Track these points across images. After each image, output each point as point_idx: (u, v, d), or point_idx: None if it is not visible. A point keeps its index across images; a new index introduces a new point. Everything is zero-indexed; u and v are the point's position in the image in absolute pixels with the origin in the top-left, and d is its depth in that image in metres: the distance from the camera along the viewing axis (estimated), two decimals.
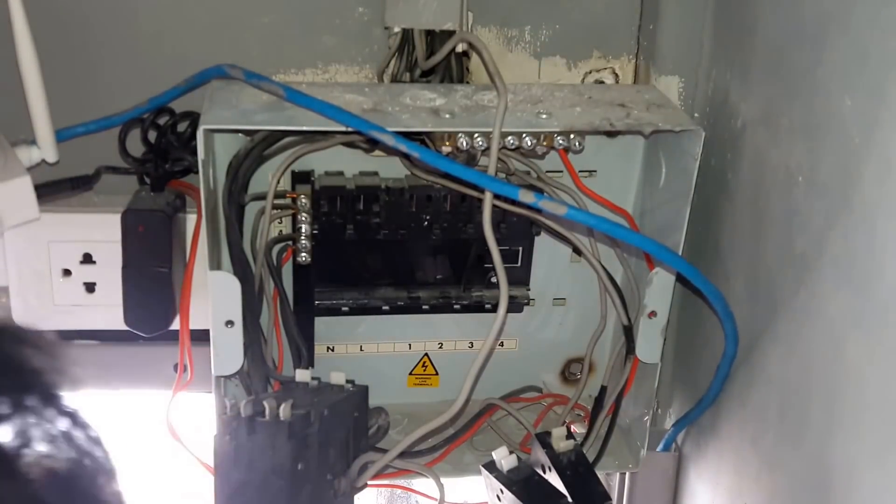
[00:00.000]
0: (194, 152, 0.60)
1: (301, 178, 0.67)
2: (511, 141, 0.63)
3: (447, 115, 0.61)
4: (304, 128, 0.59)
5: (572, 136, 0.64)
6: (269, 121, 0.59)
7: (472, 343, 0.77)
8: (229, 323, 0.63)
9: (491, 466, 0.63)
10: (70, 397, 0.31)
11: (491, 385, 0.75)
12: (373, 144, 0.65)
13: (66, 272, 0.71)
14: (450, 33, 0.66)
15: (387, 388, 0.74)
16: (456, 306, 0.73)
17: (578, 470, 0.62)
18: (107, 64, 0.69)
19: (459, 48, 0.66)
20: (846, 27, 0.51)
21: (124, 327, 0.68)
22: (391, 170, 0.68)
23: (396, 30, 0.68)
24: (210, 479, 0.59)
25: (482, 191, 0.59)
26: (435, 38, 0.67)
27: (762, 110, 0.61)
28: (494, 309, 0.71)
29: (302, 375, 0.66)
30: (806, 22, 0.55)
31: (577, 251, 0.72)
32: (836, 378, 0.53)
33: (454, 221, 0.69)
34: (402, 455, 0.63)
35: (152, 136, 0.69)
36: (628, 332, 0.69)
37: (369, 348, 0.76)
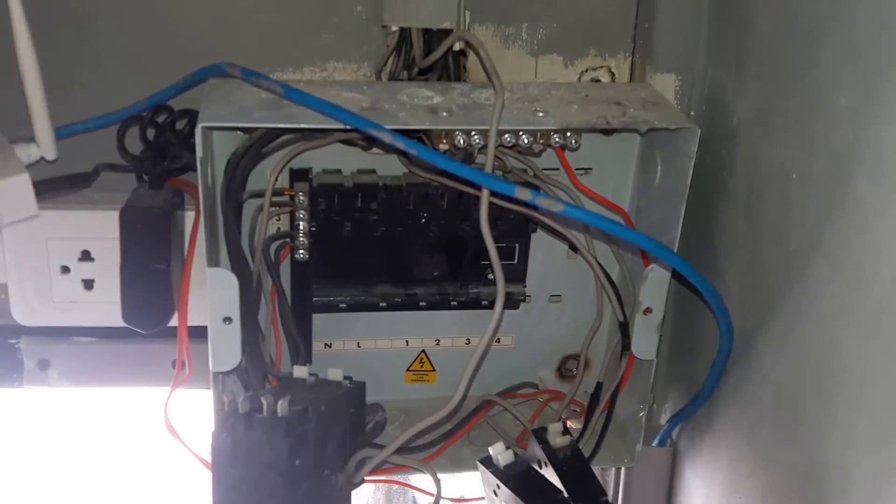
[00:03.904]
0: (192, 150, 0.61)
1: (299, 175, 0.67)
2: (508, 138, 0.63)
3: (444, 113, 0.62)
4: (303, 125, 0.60)
5: (569, 133, 0.64)
6: (268, 118, 0.60)
7: (468, 339, 0.77)
8: (227, 319, 0.63)
9: (488, 462, 0.64)
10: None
11: (488, 381, 0.76)
12: (370, 142, 0.65)
13: (65, 269, 0.72)
14: (447, 32, 0.67)
15: (384, 385, 0.75)
16: (453, 303, 0.73)
17: (574, 465, 0.62)
18: (105, 62, 0.69)
19: (457, 46, 0.66)
20: (841, 26, 0.51)
21: (122, 324, 0.68)
22: (389, 167, 0.69)
23: (394, 28, 0.68)
24: (207, 475, 0.59)
25: (479, 188, 0.59)
26: (432, 37, 0.68)
27: (757, 108, 0.62)
28: (491, 306, 0.72)
29: (299, 372, 0.66)
30: (801, 20, 0.56)
31: (573, 248, 0.73)
32: (830, 373, 0.53)
33: (451, 219, 0.69)
34: (400, 451, 0.64)
35: (151, 133, 0.69)
36: (624, 329, 0.70)
37: (367, 345, 0.76)
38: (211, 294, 0.62)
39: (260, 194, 0.66)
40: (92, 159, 0.69)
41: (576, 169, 0.69)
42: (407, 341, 0.77)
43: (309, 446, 0.58)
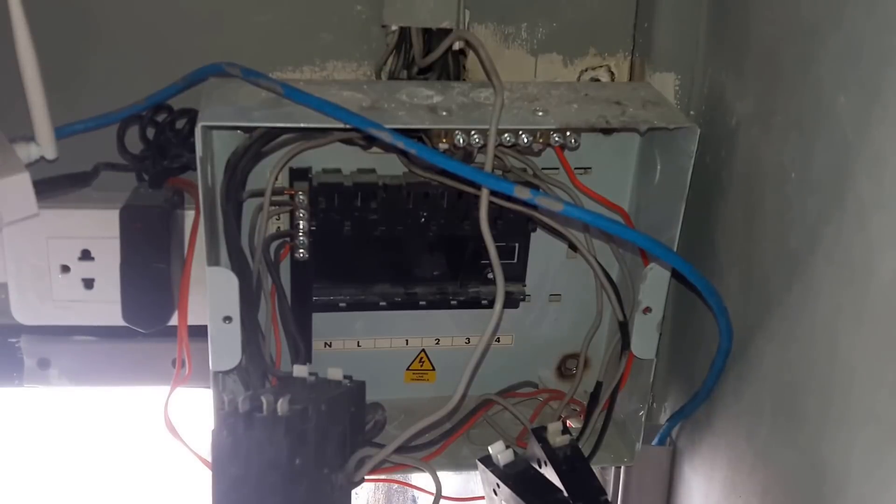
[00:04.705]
0: (192, 149, 0.61)
1: (299, 174, 0.67)
2: (507, 138, 0.63)
3: (444, 113, 0.62)
4: (302, 125, 0.60)
5: (568, 133, 0.64)
6: (267, 118, 0.60)
7: (468, 339, 0.77)
8: (227, 319, 0.63)
9: (487, 461, 0.64)
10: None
11: (487, 380, 0.76)
12: (370, 141, 0.65)
13: (65, 268, 0.72)
14: (447, 31, 0.67)
15: (384, 384, 0.75)
16: (453, 302, 0.73)
17: (574, 464, 0.62)
18: (105, 61, 0.69)
19: (456, 46, 0.67)
20: (840, 24, 0.51)
21: (122, 323, 0.68)
22: (388, 167, 0.69)
23: (394, 28, 0.68)
24: (207, 474, 0.59)
25: (479, 187, 0.59)
26: (432, 36, 0.68)
27: (756, 107, 0.62)
28: (491, 305, 0.72)
29: (299, 371, 0.66)
30: (800, 19, 0.56)
31: (572, 247, 0.73)
32: (830, 372, 0.53)
33: (451, 218, 0.70)
34: (400, 450, 0.64)
35: (151, 133, 0.69)
36: (624, 328, 0.70)
37: (366, 344, 0.76)
38: (211, 293, 0.62)
39: (260, 193, 0.66)
40: (92, 159, 0.70)
41: (575, 168, 0.70)
42: (407, 340, 0.77)
43: (309, 445, 0.58)
